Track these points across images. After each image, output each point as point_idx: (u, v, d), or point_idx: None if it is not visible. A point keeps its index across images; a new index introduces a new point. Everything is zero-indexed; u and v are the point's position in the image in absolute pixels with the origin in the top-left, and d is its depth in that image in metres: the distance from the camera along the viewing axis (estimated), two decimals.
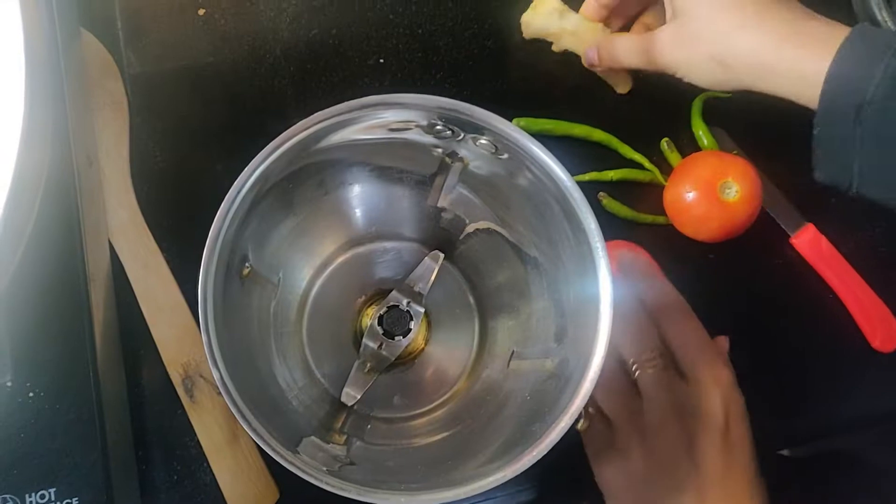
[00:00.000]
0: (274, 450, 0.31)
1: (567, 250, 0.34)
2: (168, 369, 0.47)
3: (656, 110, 0.54)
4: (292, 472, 0.45)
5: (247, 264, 0.36)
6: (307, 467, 0.31)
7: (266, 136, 0.51)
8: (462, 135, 0.35)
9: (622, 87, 0.54)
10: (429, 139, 0.36)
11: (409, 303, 0.44)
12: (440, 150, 0.37)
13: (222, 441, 0.47)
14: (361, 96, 0.35)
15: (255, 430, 0.31)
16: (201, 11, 0.52)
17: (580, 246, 0.33)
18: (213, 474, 0.46)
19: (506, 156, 0.34)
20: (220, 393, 0.47)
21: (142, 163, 0.50)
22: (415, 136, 0.36)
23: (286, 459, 0.32)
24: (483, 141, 0.34)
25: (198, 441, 0.47)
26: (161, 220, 0.49)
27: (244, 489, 0.46)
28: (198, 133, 0.51)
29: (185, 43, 0.52)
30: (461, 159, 0.36)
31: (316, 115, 0.32)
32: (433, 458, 0.41)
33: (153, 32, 0.52)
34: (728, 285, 0.52)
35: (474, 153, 0.36)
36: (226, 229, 0.32)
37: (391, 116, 0.33)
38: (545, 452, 0.32)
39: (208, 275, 0.32)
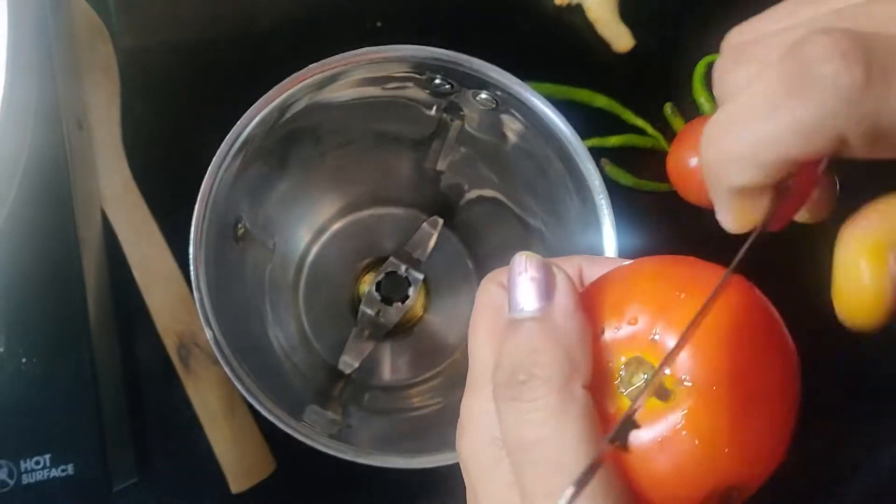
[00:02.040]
0: (270, 411, 0.31)
1: (570, 209, 0.33)
2: (163, 338, 0.46)
3: (658, 73, 0.53)
4: (289, 443, 0.45)
5: (240, 224, 0.35)
6: (306, 429, 0.31)
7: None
8: (461, 89, 0.34)
9: (621, 45, 0.52)
10: (426, 96, 0.35)
11: (407, 269, 0.44)
12: (438, 109, 0.36)
13: (218, 411, 0.46)
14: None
15: (248, 390, 0.30)
16: None
17: (584, 204, 0.32)
18: (210, 444, 0.46)
19: (506, 111, 0.33)
20: (215, 362, 0.47)
21: (133, 129, 0.49)
22: (412, 93, 0.35)
23: (283, 421, 0.31)
24: (483, 96, 0.33)
25: (193, 410, 0.46)
26: (154, 187, 0.48)
27: (241, 459, 0.46)
28: (191, 99, 0.50)
29: (178, 10, 0.51)
30: (461, 117, 0.36)
31: (309, 67, 0.32)
32: (431, 425, 0.41)
33: (144, 1, 0.51)
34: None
35: (474, 109, 0.35)
36: (217, 186, 0.31)
37: (389, 69, 0.32)
38: None
39: (200, 234, 0.31)
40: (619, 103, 0.52)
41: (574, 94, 0.52)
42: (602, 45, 0.53)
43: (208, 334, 0.30)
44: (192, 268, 0.31)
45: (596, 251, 0.32)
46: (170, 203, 0.48)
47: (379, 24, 0.52)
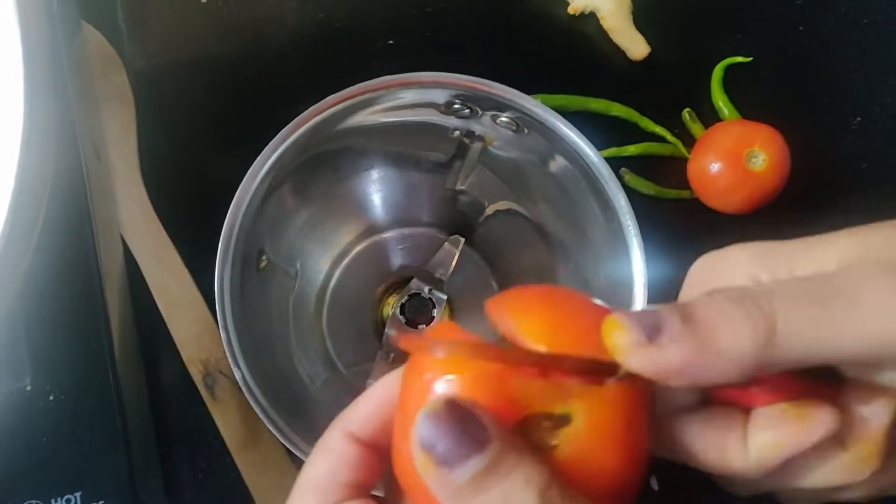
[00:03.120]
0: (298, 447, 0.30)
1: (595, 230, 0.33)
2: (188, 366, 0.46)
3: (674, 79, 0.52)
4: None
5: (263, 256, 0.35)
6: None
7: (275, 125, 0.49)
8: (480, 113, 0.33)
9: (637, 52, 0.52)
10: (446, 120, 0.34)
11: (430, 290, 0.43)
12: (458, 131, 0.36)
13: (246, 437, 0.46)
14: (372, 79, 0.33)
15: (279, 429, 0.30)
16: None
17: (609, 224, 0.31)
18: (238, 470, 0.45)
19: (527, 133, 0.33)
20: (241, 390, 0.47)
21: (150, 156, 0.49)
22: (431, 117, 0.34)
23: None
24: (503, 118, 0.33)
25: (221, 438, 0.46)
26: (172, 213, 0.48)
27: (271, 484, 0.45)
28: (205, 123, 0.50)
29: (189, 33, 0.51)
30: (481, 139, 0.35)
31: (329, 98, 0.31)
32: None
33: (156, 23, 0.51)
34: None
35: (494, 132, 0.34)
36: (241, 220, 0.31)
37: (408, 97, 0.32)
38: None
39: (224, 268, 0.31)
40: (636, 111, 0.51)
41: (590, 104, 0.51)
42: (617, 52, 0.52)
43: (237, 374, 0.30)
44: (217, 305, 0.31)
45: (623, 271, 0.31)
46: (189, 229, 0.48)
47: (390, 42, 0.51)
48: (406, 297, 0.43)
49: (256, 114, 0.50)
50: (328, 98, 0.31)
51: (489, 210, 0.43)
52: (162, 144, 0.49)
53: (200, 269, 0.47)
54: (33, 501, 0.38)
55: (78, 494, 0.39)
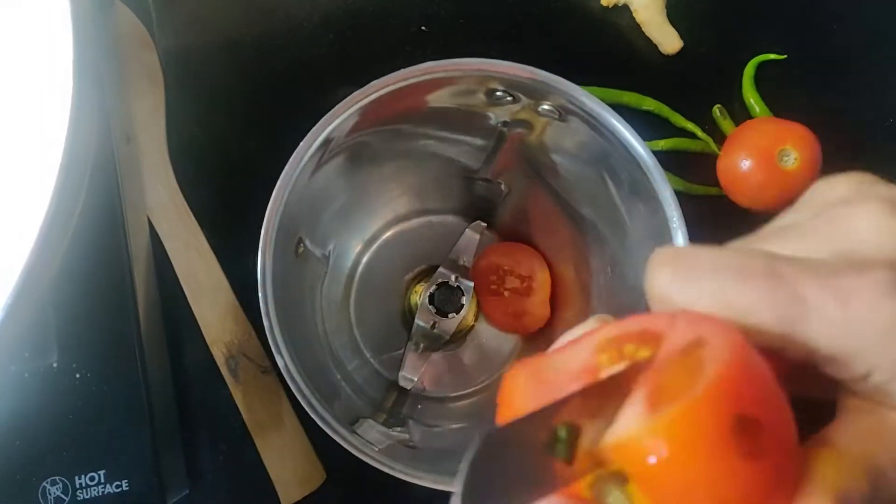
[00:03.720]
0: (340, 435, 0.30)
1: (636, 220, 0.33)
2: (211, 349, 0.46)
3: (706, 74, 0.52)
4: (339, 455, 0.44)
5: (301, 244, 0.34)
6: (376, 452, 0.30)
7: (305, 108, 0.49)
8: (523, 100, 0.33)
9: (669, 46, 0.51)
10: (487, 107, 0.34)
11: (457, 278, 0.43)
12: (498, 119, 0.35)
13: (268, 421, 0.46)
14: (404, 65, 0.33)
15: (321, 417, 0.30)
16: None
17: (652, 216, 0.31)
18: (259, 455, 0.45)
19: (570, 122, 0.33)
20: (265, 372, 0.46)
21: (178, 138, 0.48)
22: (472, 104, 0.34)
23: (349, 443, 0.31)
24: (546, 106, 0.33)
25: (243, 421, 0.46)
26: (199, 197, 0.48)
27: (291, 470, 0.45)
28: (234, 105, 0.50)
29: (220, 12, 0.50)
30: (522, 126, 0.35)
31: (374, 82, 0.31)
32: None
33: (186, 2, 0.50)
34: None
35: (534, 119, 0.34)
36: (283, 205, 0.30)
37: (450, 82, 0.32)
38: None
39: (266, 255, 0.30)
40: (667, 106, 0.51)
41: (621, 97, 0.51)
42: (649, 46, 0.52)
43: (279, 362, 0.30)
44: (260, 292, 0.30)
45: None
46: (216, 213, 0.48)
47: (423, 27, 0.51)
48: (434, 286, 0.43)
49: (285, 97, 0.50)
50: (372, 83, 0.31)
51: (520, 200, 0.43)
52: (189, 126, 0.49)
53: (226, 253, 0.47)
54: (57, 478, 0.38)
55: (102, 472, 0.39)
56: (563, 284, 0.43)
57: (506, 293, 0.44)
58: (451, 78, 0.31)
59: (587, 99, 0.30)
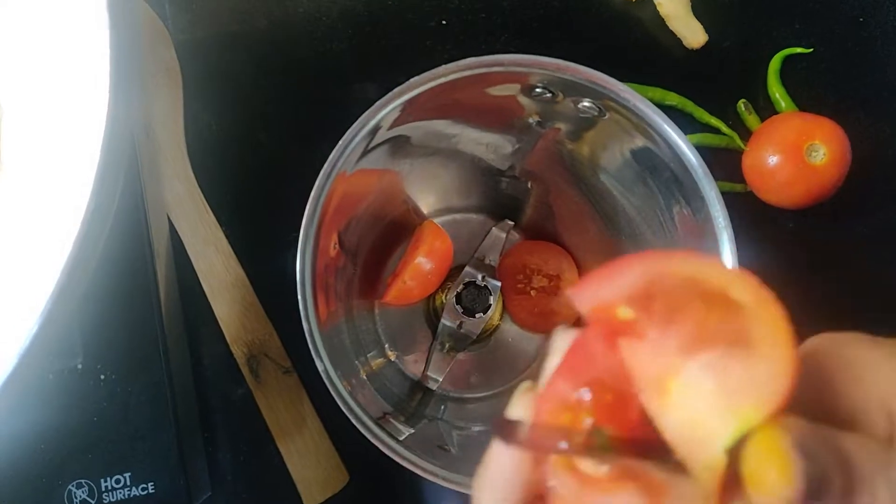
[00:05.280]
0: (377, 437, 0.29)
1: (678, 219, 0.32)
2: (231, 348, 0.45)
3: (731, 68, 0.51)
4: (362, 456, 0.44)
5: (335, 243, 0.34)
6: (410, 452, 0.29)
7: (324, 103, 0.49)
8: (562, 97, 0.32)
9: (694, 40, 0.50)
10: (524, 104, 0.33)
11: (484, 277, 0.42)
12: (534, 116, 0.35)
13: (289, 422, 0.45)
14: (424, 60, 0.32)
15: (362, 422, 0.29)
16: None
17: (695, 215, 0.31)
18: (282, 456, 0.45)
19: (610, 119, 0.32)
20: (286, 372, 0.46)
21: (196, 133, 0.47)
22: (509, 101, 0.33)
23: (387, 445, 0.30)
24: (585, 104, 0.32)
25: (264, 422, 0.45)
26: (218, 193, 0.47)
27: (314, 472, 0.45)
28: (252, 100, 0.49)
29: (237, 5, 0.49)
30: (559, 121, 0.34)
31: (414, 79, 0.30)
32: None
33: None
34: (815, 253, 0.49)
35: (571, 117, 0.33)
36: (323, 200, 0.30)
37: (488, 79, 0.31)
38: None
39: (305, 257, 0.30)
40: (691, 101, 0.50)
41: (645, 91, 0.50)
42: (674, 40, 0.51)
43: (319, 366, 0.29)
44: (300, 295, 0.30)
45: None
46: (234, 209, 0.47)
47: (444, 21, 0.50)
48: (461, 286, 0.42)
49: (304, 91, 0.49)
50: (415, 78, 0.30)
51: (549, 198, 0.42)
52: (208, 122, 0.48)
53: (246, 250, 0.46)
54: (83, 481, 0.37)
55: (127, 475, 0.38)
56: None
57: (532, 292, 0.43)
58: (491, 74, 0.30)
59: (630, 96, 0.30)
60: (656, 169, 0.31)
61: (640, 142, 0.31)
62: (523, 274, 0.43)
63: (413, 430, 0.38)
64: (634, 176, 0.33)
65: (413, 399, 0.42)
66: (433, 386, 0.41)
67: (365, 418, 0.29)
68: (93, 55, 0.25)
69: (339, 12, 0.50)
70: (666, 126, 0.30)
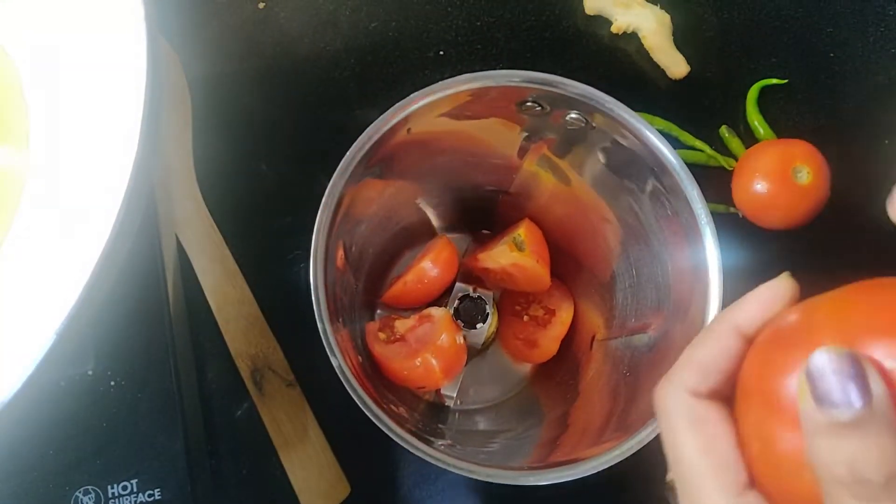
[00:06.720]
0: (402, 438, 0.31)
1: (662, 222, 0.34)
2: (236, 361, 0.46)
3: (713, 97, 0.54)
4: (363, 468, 0.45)
5: (340, 253, 0.35)
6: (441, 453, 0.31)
7: (327, 129, 0.51)
8: (551, 110, 0.34)
9: (677, 71, 0.53)
10: (514, 118, 0.36)
11: (475, 288, 0.44)
12: (524, 130, 0.37)
13: (292, 435, 0.46)
14: (423, 87, 0.34)
15: (377, 417, 0.30)
16: (261, 5, 0.52)
17: (679, 216, 0.33)
18: (284, 468, 0.46)
19: (596, 130, 0.34)
20: (289, 385, 0.47)
21: (205, 155, 0.49)
22: (500, 115, 0.36)
23: (408, 442, 0.31)
24: (573, 115, 0.34)
25: (267, 434, 0.46)
26: (224, 212, 0.49)
27: (315, 483, 0.45)
28: (258, 124, 0.51)
29: (246, 36, 0.52)
30: (548, 133, 0.36)
31: (413, 95, 0.32)
32: (512, 453, 0.40)
33: (213, 27, 0.52)
34: (812, 267, 0.51)
35: (560, 130, 0.36)
36: (331, 212, 0.31)
37: (482, 94, 0.33)
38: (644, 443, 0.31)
39: (317, 263, 0.31)
40: (676, 126, 0.53)
41: None
42: (657, 71, 0.54)
43: (334, 362, 0.30)
44: (314, 297, 0.31)
45: (699, 269, 0.32)
46: (240, 227, 0.49)
47: (441, 52, 0.53)
48: (457, 301, 0.44)
49: (309, 118, 0.52)
50: (415, 94, 0.32)
51: (537, 205, 0.44)
52: (216, 144, 0.50)
53: (251, 267, 0.48)
54: (90, 488, 0.38)
55: (134, 482, 0.39)
56: (579, 319, 0.44)
57: (526, 317, 0.45)
58: (486, 88, 0.33)
59: (614, 105, 0.32)
60: (639, 176, 0.34)
61: (624, 153, 0.33)
62: (524, 298, 0.45)
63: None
64: (619, 186, 0.35)
65: (415, 411, 0.43)
66: (451, 404, 0.43)
67: (375, 408, 0.30)
68: (126, 109, 0.26)
69: (342, 43, 0.52)
70: (647, 131, 0.32)
